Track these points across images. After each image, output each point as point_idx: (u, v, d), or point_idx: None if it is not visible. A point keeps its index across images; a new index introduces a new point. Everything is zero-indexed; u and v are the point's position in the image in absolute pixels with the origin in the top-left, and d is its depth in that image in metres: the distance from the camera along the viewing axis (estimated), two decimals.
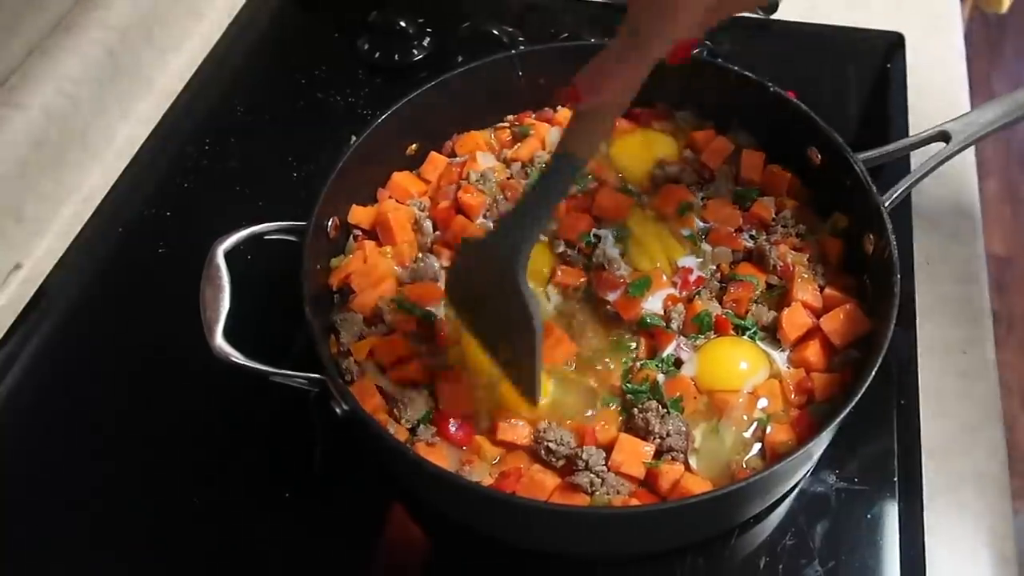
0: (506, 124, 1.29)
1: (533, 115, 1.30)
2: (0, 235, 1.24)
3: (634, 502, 0.95)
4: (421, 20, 1.54)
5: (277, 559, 1.02)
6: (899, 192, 1.08)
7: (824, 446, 1.01)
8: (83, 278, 1.28)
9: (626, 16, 0.83)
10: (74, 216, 1.33)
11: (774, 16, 1.56)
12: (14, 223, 1.26)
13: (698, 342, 1.06)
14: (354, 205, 1.16)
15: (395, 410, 1.01)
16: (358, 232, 1.16)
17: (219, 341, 0.96)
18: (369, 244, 1.14)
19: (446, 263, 1.13)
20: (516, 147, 1.25)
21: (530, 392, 0.96)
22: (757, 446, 0.99)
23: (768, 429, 0.99)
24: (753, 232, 1.15)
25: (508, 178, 1.22)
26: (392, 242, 1.14)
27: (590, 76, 0.85)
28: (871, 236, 1.06)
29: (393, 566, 1.04)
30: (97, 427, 1.13)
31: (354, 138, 1.12)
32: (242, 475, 1.09)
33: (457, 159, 1.25)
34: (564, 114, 1.29)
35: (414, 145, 1.24)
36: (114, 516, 1.06)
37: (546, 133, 1.26)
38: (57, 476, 1.09)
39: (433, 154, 1.24)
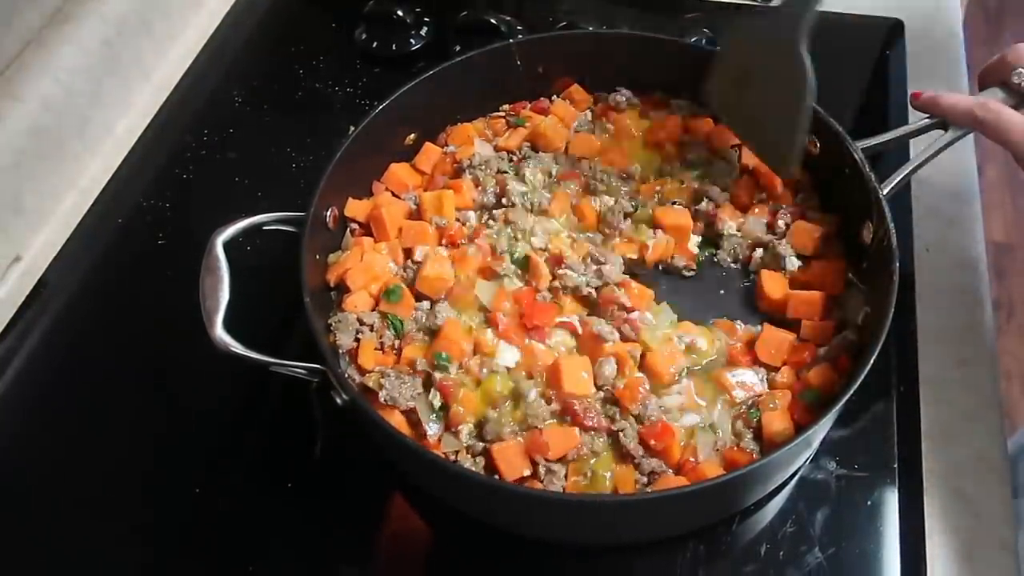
0: (501, 114, 1.30)
1: (529, 105, 1.30)
2: None
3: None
4: (418, 9, 1.53)
5: (279, 548, 1.02)
6: (898, 180, 1.08)
7: (823, 433, 1.01)
8: (83, 270, 1.28)
9: None
10: (73, 208, 1.33)
11: (773, 2, 1.55)
12: (13, 215, 1.26)
13: None
14: (350, 198, 1.16)
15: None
16: (355, 226, 1.16)
17: (219, 331, 0.96)
18: (367, 240, 1.13)
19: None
20: (507, 135, 1.26)
21: (789, 161, 1.11)
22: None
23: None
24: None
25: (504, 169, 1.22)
26: (385, 238, 1.13)
27: None
28: (870, 224, 1.06)
29: (394, 554, 1.04)
30: (98, 418, 1.13)
31: (352, 128, 1.12)
32: (244, 465, 1.09)
33: (450, 148, 1.25)
34: (560, 104, 1.29)
35: (412, 135, 1.24)
36: (115, 507, 1.06)
37: (540, 123, 1.27)
38: (58, 468, 1.09)
39: (427, 144, 1.24)
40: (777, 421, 0.99)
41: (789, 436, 0.97)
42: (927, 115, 1.12)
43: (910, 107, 1.15)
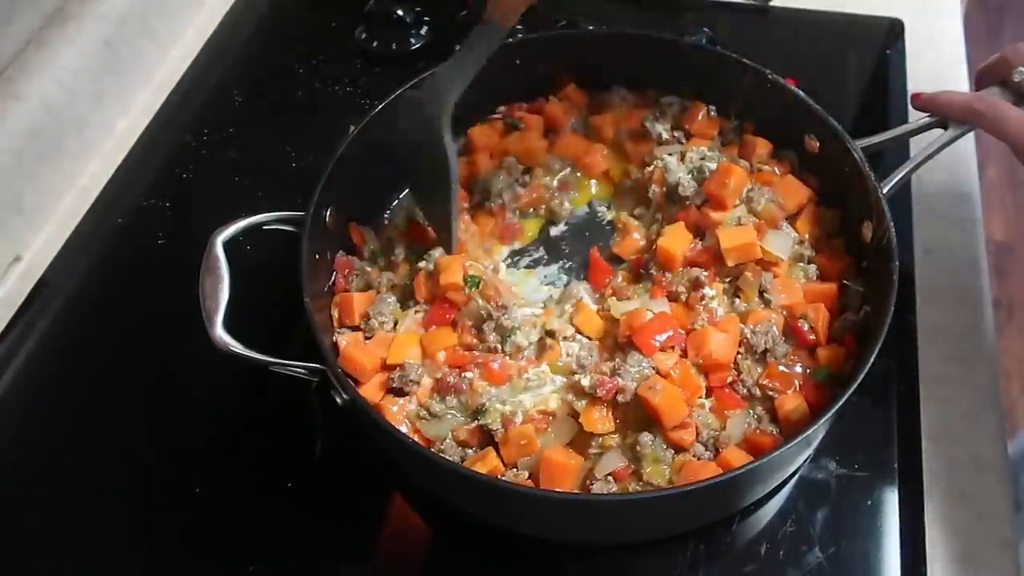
0: (499, 116, 1.30)
1: (526, 106, 1.30)
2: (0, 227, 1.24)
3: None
4: (418, 9, 1.53)
5: (279, 548, 1.02)
6: (898, 179, 1.08)
7: (822, 433, 1.01)
8: (83, 269, 1.28)
9: None
10: (73, 207, 1.33)
11: (772, 2, 1.55)
12: (13, 215, 1.26)
13: None
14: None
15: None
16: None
17: (219, 331, 0.96)
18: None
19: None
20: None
21: (446, 243, 1.12)
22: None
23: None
24: None
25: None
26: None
27: None
28: (869, 223, 1.06)
29: (394, 553, 1.04)
30: (98, 418, 1.13)
31: (352, 128, 1.12)
32: (244, 465, 1.09)
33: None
34: (555, 104, 1.29)
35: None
36: (115, 507, 1.06)
37: (537, 125, 1.28)
38: (58, 467, 1.09)
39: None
40: (790, 401, 1.00)
41: (804, 414, 0.99)
42: (927, 114, 1.12)
43: (910, 106, 1.15)
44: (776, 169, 1.20)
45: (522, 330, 1.07)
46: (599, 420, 1.00)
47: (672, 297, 1.10)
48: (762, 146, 1.21)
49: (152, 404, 1.14)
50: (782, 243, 1.12)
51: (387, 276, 1.14)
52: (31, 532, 1.04)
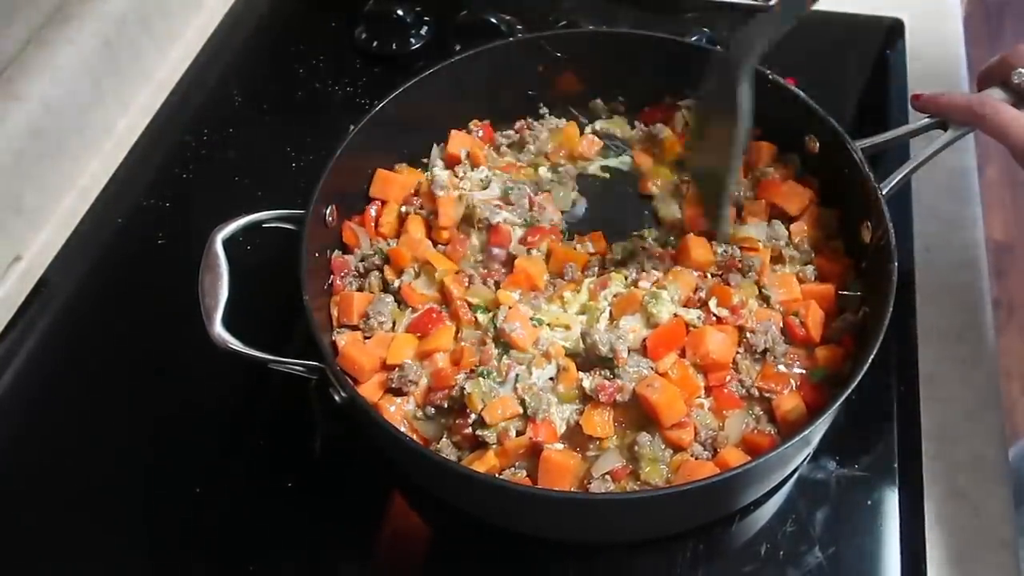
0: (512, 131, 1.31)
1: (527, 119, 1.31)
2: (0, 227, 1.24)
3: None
4: (418, 9, 1.53)
5: (279, 547, 1.02)
6: (897, 179, 1.08)
7: (820, 433, 1.01)
8: (83, 269, 1.28)
9: None
10: (73, 207, 1.33)
11: (773, 2, 1.55)
12: (13, 215, 1.26)
13: None
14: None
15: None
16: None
17: (218, 329, 0.96)
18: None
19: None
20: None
21: (716, 224, 1.11)
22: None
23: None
24: None
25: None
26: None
27: None
28: (869, 223, 1.06)
29: (393, 552, 1.04)
30: (98, 417, 1.13)
31: (352, 127, 1.12)
32: (243, 464, 1.09)
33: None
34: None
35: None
36: (115, 507, 1.06)
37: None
38: (58, 467, 1.09)
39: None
40: (788, 401, 1.00)
41: (802, 414, 0.99)
42: (927, 115, 1.12)
43: (910, 107, 1.15)
44: (778, 175, 1.20)
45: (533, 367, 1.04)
46: (599, 424, 0.99)
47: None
48: (766, 150, 1.22)
49: (152, 404, 1.14)
50: (759, 230, 1.14)
51: (375, 275, 1.13)
52: (31, 532, 1.04)
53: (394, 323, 1.09)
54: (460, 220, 1.17)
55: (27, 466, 1.10)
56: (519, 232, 1.16)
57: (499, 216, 1.15)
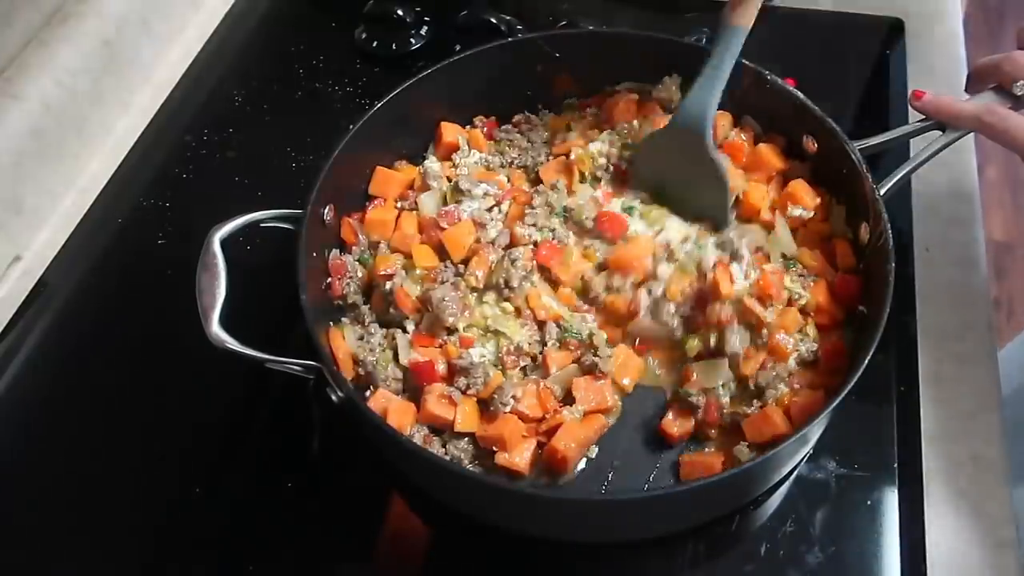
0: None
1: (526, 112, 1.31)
2: None
3: None
4: (418, 9, 1.53)
5: (279, 548, 1.02)
6: (896, 180, 1.08)
7: (819, 432, 1.01)
8: (82, 269, 1.28)
9: None
10: (73, 207, 1.33)
11: (773, 2, 1.55)
12: (13, 215, 1.26)
13: None
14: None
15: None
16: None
17: (215, 328, 0.96)
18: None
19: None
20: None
21: (722, 223, 1.14)
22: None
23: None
24: None
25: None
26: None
27: None
28: (867, 224, 1.06)
29: (391, 552, 1.04)
30: (98, 417, 1.13)
31: (351, 127, 1.12)
32: (243, 464, 1.09)
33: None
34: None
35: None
36: (115, 507, 1.06)
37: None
38: (57, 467, 1.09)
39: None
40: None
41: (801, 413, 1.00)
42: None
43: (910, 107, 1.15)
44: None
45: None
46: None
47: None
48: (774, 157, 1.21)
49: (151, 404, 1.14)
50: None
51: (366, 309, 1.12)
52: (31, 532, 1.04)
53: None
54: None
55: (27, 466, 1.10)
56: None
57: (480, 188, 1.16)
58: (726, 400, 1.03)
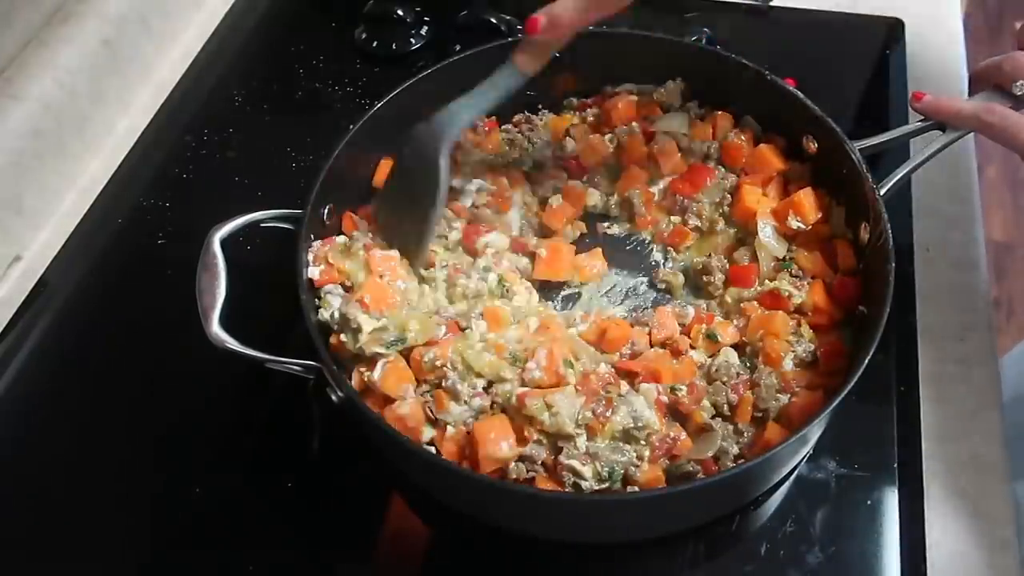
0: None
1: (526, 112, 1.31)
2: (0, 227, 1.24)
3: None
4: (418, 9, 1.53)
5: (279, 547, 1.02)
6: (896, 180, 1.07)
7: (819, 432, 1.01)
8: (83, 269, 1.28)
9: None
10: (73, 207, 1.33)
11: (772, 2, 1.55)
12: (13, 215, 1.26)
13: None
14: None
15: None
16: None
17: (215, 328, 0.96)
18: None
19: None
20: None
21: (417, 259, 1.10)
22: None
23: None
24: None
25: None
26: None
27: (548, 19, 1.02)
28: (866, 224, 1.06)
29: (391, 552, 1.04)
30: (97, 417, 1.13)
31: (351, 127, 1.12)
32: (242, 464, 1.09)
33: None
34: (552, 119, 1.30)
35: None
36: (114, 507, 1.06)
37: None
38: (57, 467, 1.09)
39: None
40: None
41: (801, 413, 0.99)
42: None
43: (910, 107, 1.15)
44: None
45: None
46: None
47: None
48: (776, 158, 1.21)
49: (151, 404, 1.14)
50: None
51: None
52: (31, 532, 1.04)
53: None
54: None
55: (27, 466, 1.10)
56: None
57: (473, 184, 1.19)
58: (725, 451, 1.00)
